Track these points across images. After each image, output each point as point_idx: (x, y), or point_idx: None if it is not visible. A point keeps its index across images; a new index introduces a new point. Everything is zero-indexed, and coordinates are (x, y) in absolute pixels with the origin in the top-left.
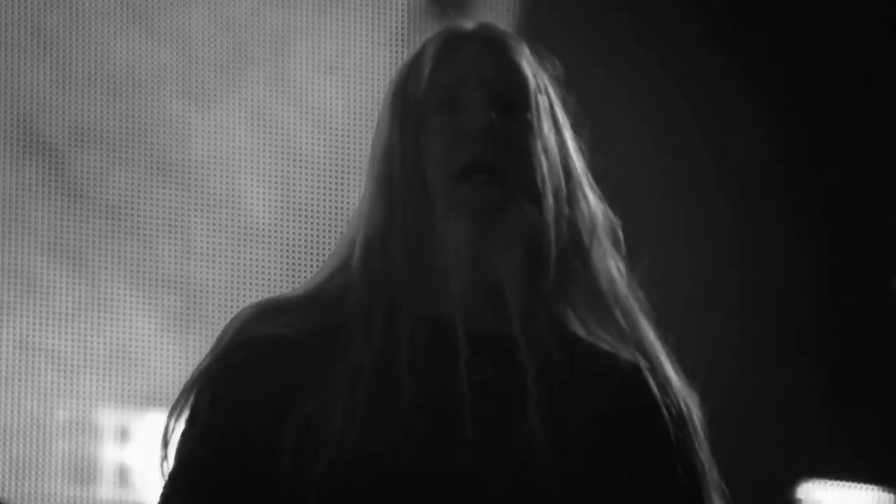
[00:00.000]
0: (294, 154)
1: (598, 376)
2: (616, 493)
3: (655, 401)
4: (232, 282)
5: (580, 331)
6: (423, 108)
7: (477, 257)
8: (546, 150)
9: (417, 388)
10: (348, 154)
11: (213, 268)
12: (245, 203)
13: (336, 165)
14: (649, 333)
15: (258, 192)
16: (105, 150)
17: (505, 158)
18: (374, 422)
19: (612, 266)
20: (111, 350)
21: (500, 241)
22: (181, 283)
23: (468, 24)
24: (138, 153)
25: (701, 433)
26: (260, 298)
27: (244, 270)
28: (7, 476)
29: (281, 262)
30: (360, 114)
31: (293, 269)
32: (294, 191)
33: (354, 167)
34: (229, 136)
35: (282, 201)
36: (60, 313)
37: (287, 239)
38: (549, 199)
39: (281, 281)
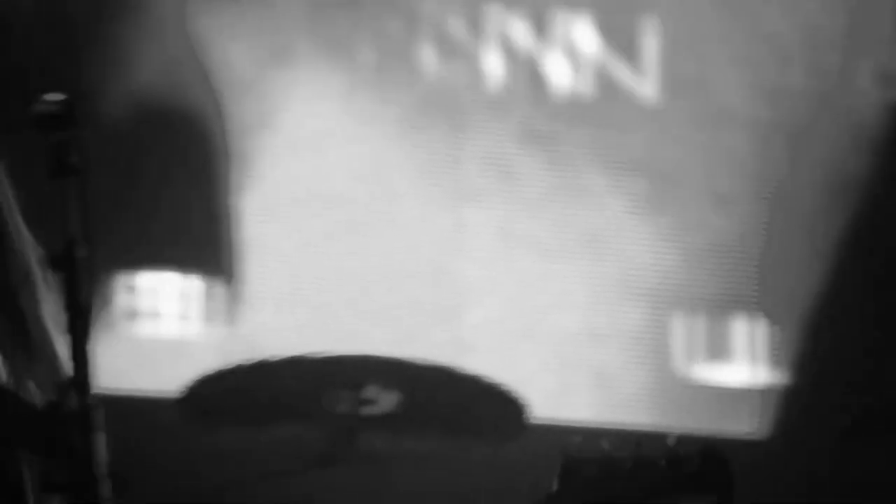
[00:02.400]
0: (761, 35)
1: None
2: None
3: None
4: (701, 165)
5: (11, 382)
6: None
7: None
8: None
9: None
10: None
11: (684, 151)
12: (716, 86)
13: (799, 42)
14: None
15: (729, 75)
16: None
17: None
18: None
19: (47, 305)
20: (583, 234)
21: None
22: (651, 166)
23: None
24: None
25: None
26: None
27: (715, 154)
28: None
29: (751, 144)
30: None
31: (763, 149)
32: (763, 72)
33: (816, 44)
34: (695, 17)
35: (751, 83)
36: (534, 199)
37: (757, 120)
38: None
39: (747, 161)
